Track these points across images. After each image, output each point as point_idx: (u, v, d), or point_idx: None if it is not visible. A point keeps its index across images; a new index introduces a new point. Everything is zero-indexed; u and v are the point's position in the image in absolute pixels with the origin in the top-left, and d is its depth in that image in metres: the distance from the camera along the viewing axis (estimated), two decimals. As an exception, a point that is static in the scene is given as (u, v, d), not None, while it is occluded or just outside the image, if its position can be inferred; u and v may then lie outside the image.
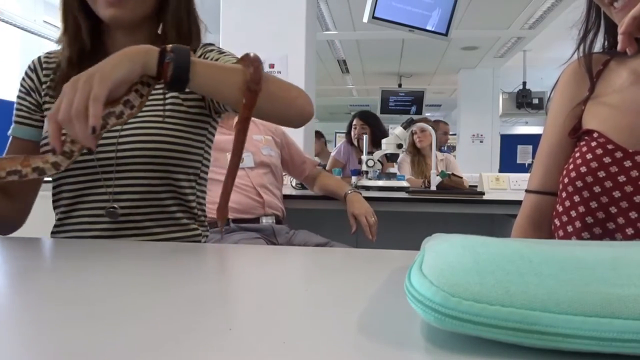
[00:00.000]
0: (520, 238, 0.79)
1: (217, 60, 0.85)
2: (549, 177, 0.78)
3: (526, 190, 0.83)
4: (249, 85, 0.69)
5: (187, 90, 0.68)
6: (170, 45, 0.66)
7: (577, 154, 0.72)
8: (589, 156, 0.69)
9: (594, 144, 0.70)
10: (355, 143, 3.44)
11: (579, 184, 0.69)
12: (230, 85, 0.70)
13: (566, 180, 0.71)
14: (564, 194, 0.72)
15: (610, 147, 0.68)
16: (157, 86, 0.69)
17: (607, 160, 0.67)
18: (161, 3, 0.89)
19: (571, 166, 0.71)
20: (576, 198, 0.69)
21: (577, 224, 0.69)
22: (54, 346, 0.30)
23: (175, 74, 0.65)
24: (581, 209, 0.69)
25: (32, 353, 0.29)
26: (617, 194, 0.65)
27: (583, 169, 0.69)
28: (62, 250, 0.69)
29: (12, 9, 4.45)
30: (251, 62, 0.70)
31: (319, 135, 4.62)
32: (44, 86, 0.93)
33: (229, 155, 1.71)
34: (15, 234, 0.90)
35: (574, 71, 0.80)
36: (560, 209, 0.73)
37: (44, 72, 0.93)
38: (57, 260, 0.62)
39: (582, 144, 0.72)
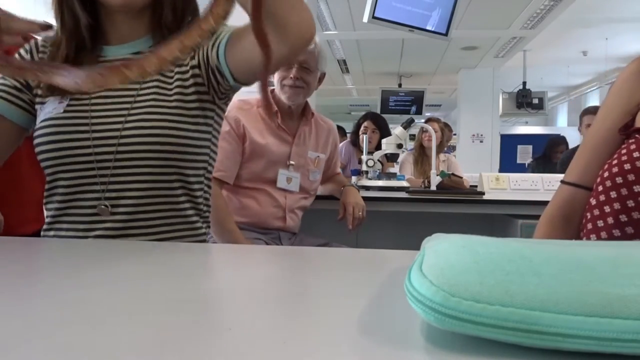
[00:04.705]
0: (541, 233, 0.79)
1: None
2: (588, 171, 0.77)
3: (562, 181, 0.81)
4: None
5: None
6: None
7: (624, 151, 0.70)
8: (635, 154, 0.67)
9: None
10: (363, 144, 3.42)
11: (618, 180, 0.67)
12: None
13: (606, 174, 0.70)
14: (600, 188, 0.71)
15: None
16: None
17: None
18: None
19: (615, 161, 0.70)
20: (613, 194, 0.68)
21: (610, 220, 0.68)
22: (53, 346, 0.30)
23: None
24: (616, 205, 0.67)
25: (31, 353, 0.29)
26: None
27: (627, 166, 0.67)
28: (61, 251, 0.69)
29: (12, 9, 4.45)
30: None
31: (342, 132, 4.32)
32: None
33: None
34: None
35: (634, 70, 0.78)
36: (593, 202, 0.72)
37: (40, 55, 0.90)
38: (56, 261, 0.62)
39: (631, 141, 0.71)
